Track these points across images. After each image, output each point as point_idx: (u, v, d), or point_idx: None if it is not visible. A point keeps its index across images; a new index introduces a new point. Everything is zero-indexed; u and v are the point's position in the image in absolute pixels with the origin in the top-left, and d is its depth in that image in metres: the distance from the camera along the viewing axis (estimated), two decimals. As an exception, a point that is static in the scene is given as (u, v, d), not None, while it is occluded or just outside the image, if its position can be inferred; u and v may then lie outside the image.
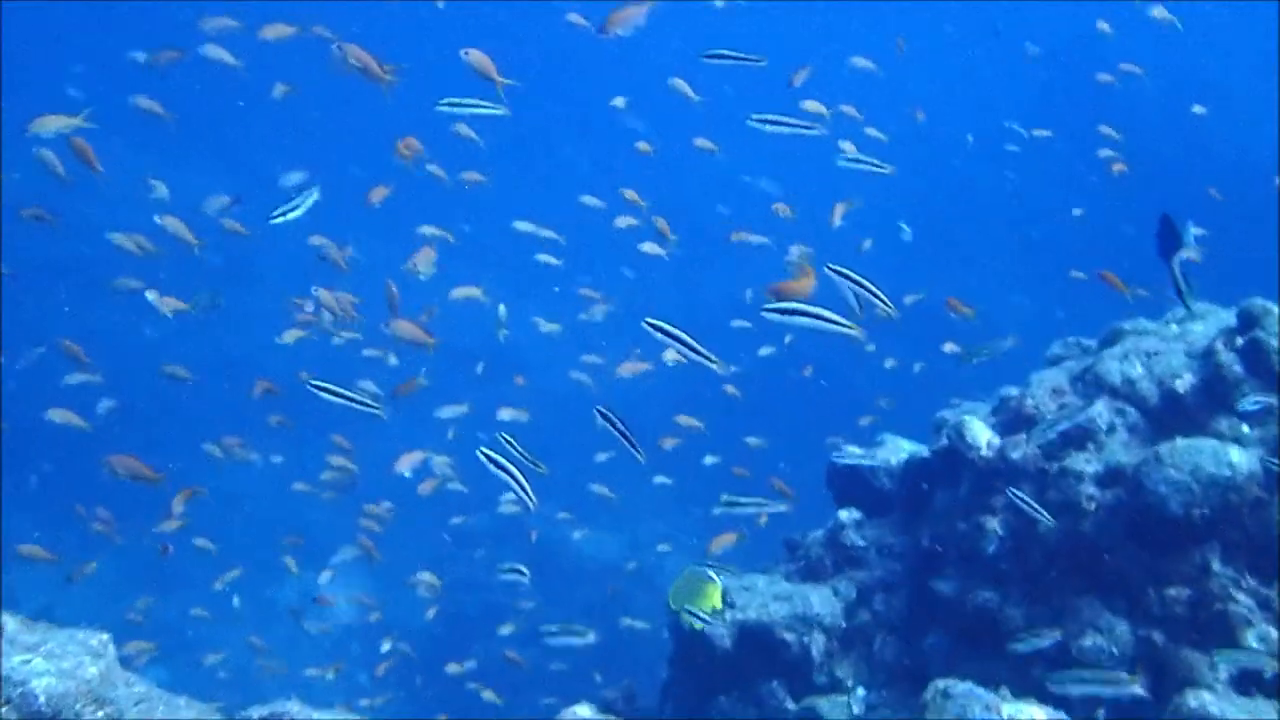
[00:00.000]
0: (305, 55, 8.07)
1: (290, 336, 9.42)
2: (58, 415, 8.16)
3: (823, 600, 6.87)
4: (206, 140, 20.07)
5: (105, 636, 3.47)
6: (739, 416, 12.59)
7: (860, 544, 7.17)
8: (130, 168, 12.63)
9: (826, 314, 4.94)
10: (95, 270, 12.03)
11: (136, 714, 3.43)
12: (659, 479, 13.01)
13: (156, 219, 7.70)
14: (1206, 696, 5.51)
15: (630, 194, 9.31)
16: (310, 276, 10.75)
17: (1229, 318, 6.54)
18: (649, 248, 10.56)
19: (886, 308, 5.27)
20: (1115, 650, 6.04)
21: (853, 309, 5.25)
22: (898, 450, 7.58)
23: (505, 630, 10.55)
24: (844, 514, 7.27)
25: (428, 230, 10.08)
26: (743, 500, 6.47)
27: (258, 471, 13.80)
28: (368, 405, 6.05)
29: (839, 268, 5.23)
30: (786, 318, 4.91)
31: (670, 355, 8.83)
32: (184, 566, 12.63)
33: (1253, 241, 16.35)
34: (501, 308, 9.95)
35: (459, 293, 8.58)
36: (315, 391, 5.94)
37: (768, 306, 4.95)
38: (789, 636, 6.72)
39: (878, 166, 6.52)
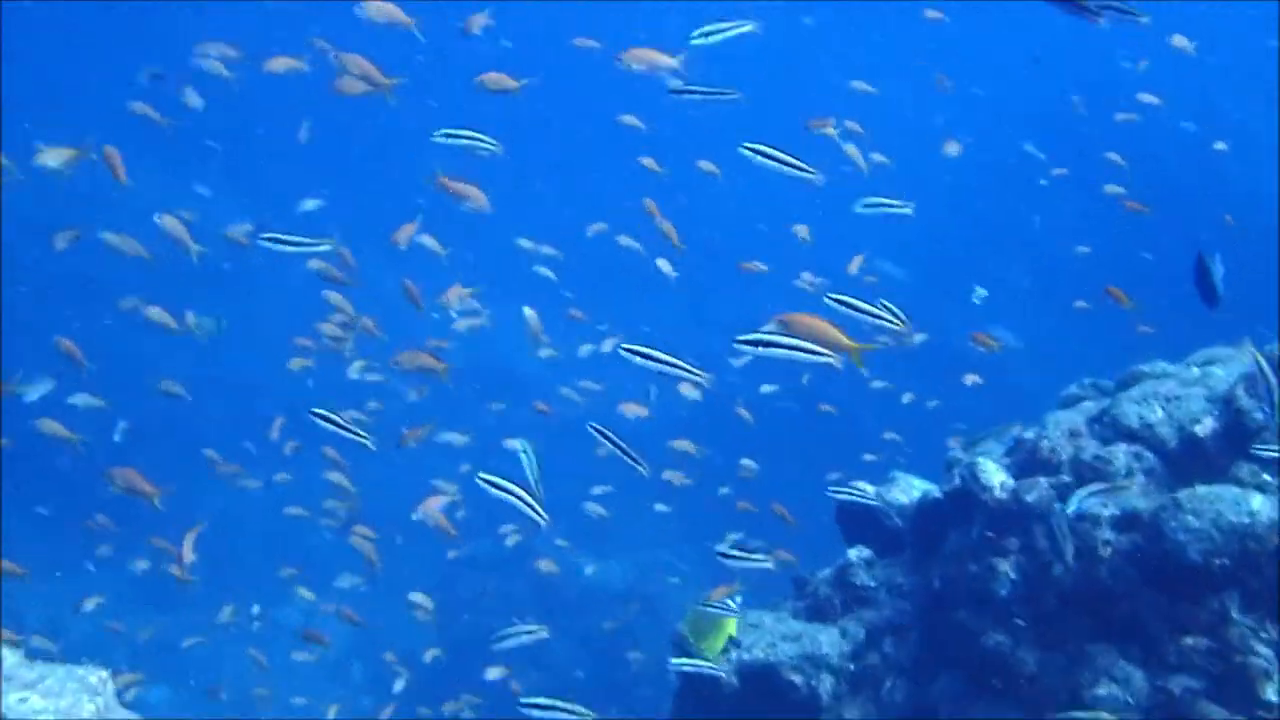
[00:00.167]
0: (316, 67, 8.03)
1: (297, 364, 9.38)
2: (47, 426, 8.06)
3: (831, 641, 6.76)
4: (221, 156, 20.11)
5: (104, 673, 3.40)
6: (749, 447, 12.49)
7: (870, 584, 7.07)
8: (148, 185, 12.66)
9: (802, 344, 4.87)
10: (109, 289, 12.03)
11: (132, 753, 3.35)
12: (660, 507, 12.93)
13: (156, 219, 7.63)
14: (1225, 750, 5.39)
15: (651, 205, 9.06)
16: (321, 296, 10.74)
17: (1250, 362, 6.44)
18: (663, 265, 10.47)
19: (900, 325, 5.21)
20: (1130, 699, 5.92)
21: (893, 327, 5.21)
22: (909, 489, 7.48)
23: (494, 674, 10.32)
24: (853, 553, 7.17)
25: (429, 241, 10.07)
26: (740, 554, 6.34)
27: (263, 491, 13.75)
28: (358, 436, 6.03)
29: (840, 296, 5.17)
30: (760, 349, 4.84)
31: (687, 389, 8.76)
32: (187, 585, 12.56)
33: (1261, 273, 16.25)
34: (528, 311, 9.65)
35: (463, 324, 8.48)
36: (314, 420, 5.93)
37: (740, 338, 4.88)
38: (796, 678, 6.61)
39: (898, 207, 6.43)
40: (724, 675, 6.73)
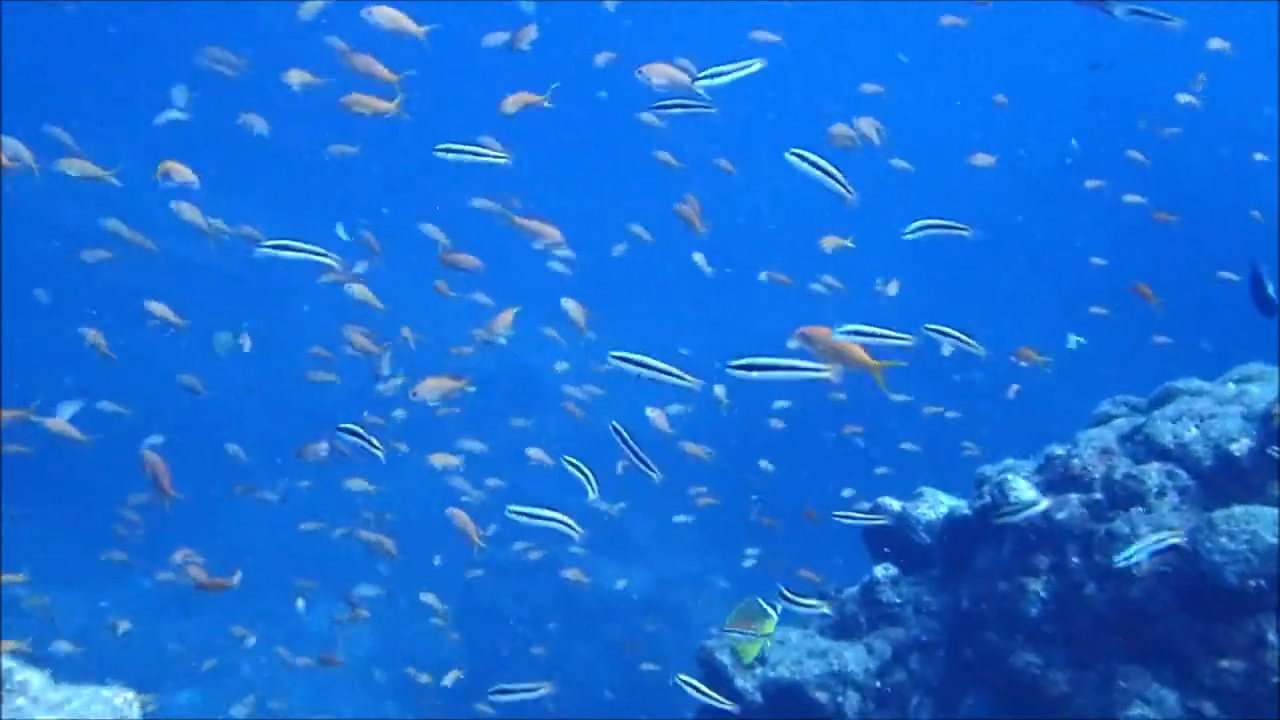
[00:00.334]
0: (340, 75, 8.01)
1: (319, 377, 9.38)
2: (54, 425, 8.03)
3: (858, 658, 6.69)
4: (254, 168, 20.22)
5: (129, 694, 3.39)
6: (771, 457, 12.42)
7: (896, 601, 6.99)
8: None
9: (793, 364, 4.82)
10: (138, 299, 12.12)
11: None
12: (680, 518, 12.88)
13: (172, 205, 7.54)
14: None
15: (690, 206, 8.87)
16: (345, 306, 10.75)
17: (1289, 379, 6.35)
18: (698, 259, 10.32)
19: (902, 341, 5.16)
20: (1163, 722, 5.84)
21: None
22: (937, 504, 7.40)
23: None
24: (880, 570, 7.09)
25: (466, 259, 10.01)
26: (799, 600, 6.32)
27: (290, 497, 13.81)
28: (373, 447, 6.02)
29: (854, 327, 5.12)
30: (753, 374, 4.80)
31: (719, 391, 8.68)
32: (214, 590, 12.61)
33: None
34: (569, 302, 9.35)
35: (480, 334, 8.37)
36: (340, 435, 5.93)
37: (732, 363, 4.84)
38: (822, 695, 6.55)
39: (955, 228, 6.33)
40: (749, 691, 6.68)
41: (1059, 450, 6.67)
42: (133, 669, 14.21)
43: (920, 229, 6.24)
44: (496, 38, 7.92)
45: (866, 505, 7.67)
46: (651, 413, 8.95)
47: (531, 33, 7.58)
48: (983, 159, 9.31)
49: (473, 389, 6.87)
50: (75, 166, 6.87)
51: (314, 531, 12.27)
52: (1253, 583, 5.68)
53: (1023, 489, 6.48)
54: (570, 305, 8.29)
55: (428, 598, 10.96)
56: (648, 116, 9.21)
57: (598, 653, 14.87)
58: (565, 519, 5.58)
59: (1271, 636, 5.72)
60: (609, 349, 5.10)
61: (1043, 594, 6.29)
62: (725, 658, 6.76)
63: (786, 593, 6.28)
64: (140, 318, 9.22)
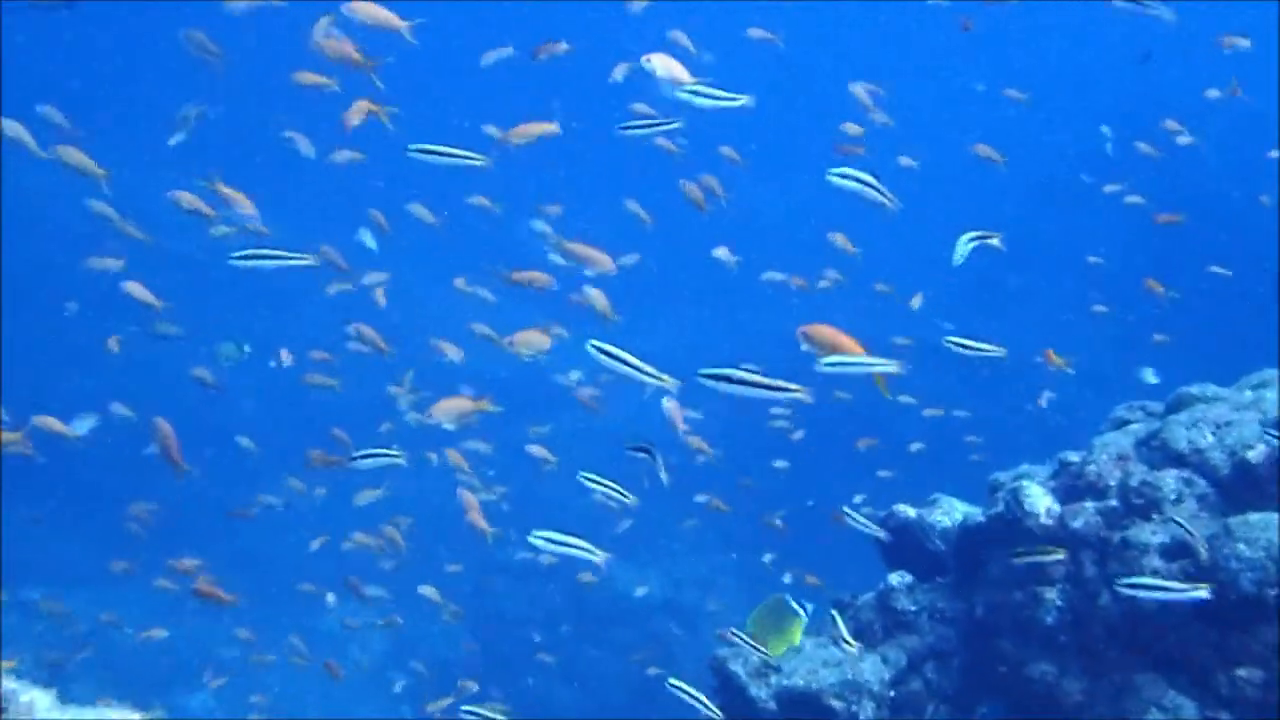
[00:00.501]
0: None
1: (318, 380, 9.32)
2: (42, 423, 7.91)
3: (873, 667, 6.65)
4: (257, 169, 20.26)
5: (136, 716, 3.36)
6: (782, 458, 12.36)
7: (911, 609, 6.94)
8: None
9: (765, 381, 4.78)
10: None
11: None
12: (690, 523, 12.82)
13: (171, 195, 7.33)
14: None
15: (709, 184, 8.59)
16: (350, 307, 10.76)
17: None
18: (722, 253, 10.17)
19: (887, 368, 5.15)
20: (1180, 731, 5.79)
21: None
22: (951, 511, 7.34)
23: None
24: (894, 577, 7.05)
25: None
26: (847, 640, 6.31)
27: (302, 501, 13.83)
28: (394, 456, 5.96)
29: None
30: (723, 384, 4.76)
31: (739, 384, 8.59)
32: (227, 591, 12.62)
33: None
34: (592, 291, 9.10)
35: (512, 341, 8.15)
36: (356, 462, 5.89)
37: (703, 371, 4.80)
38: (837, 704, 6.51)
39: (988, 238, 6.30)
40: (763, 700, 6.64)
41: (1074, 457, 6.63)
42: (145, 672, 14.29)
43: (968, 242, 6.21)
44: (496, 54, 7.85)
45: (880, 512, 7.63)
46: (668, 404, 8.83)
47: (559, 47, 7.48)
48: (986, 150, 9.16)
49: (496, 409, 6.74)
50: (72, 157, 6.76)
51: (328, 532, 12.27)
52: (1270, 590, 5.64)
53: (1037, 496, 6.43)
54: (594, 293, 8.10)
55: (427, 590, 10.87)
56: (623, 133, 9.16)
57: (610, 655, 14.85)
58: (587, 545, 5.55)
59: (1290, 645, 5.67)
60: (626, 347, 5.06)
61: (1058, 602, 6.25)
62: (738, 667, 6.72)
63: (844, 637, 6.25)
64: (141, 319, 9.23)
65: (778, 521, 10.43)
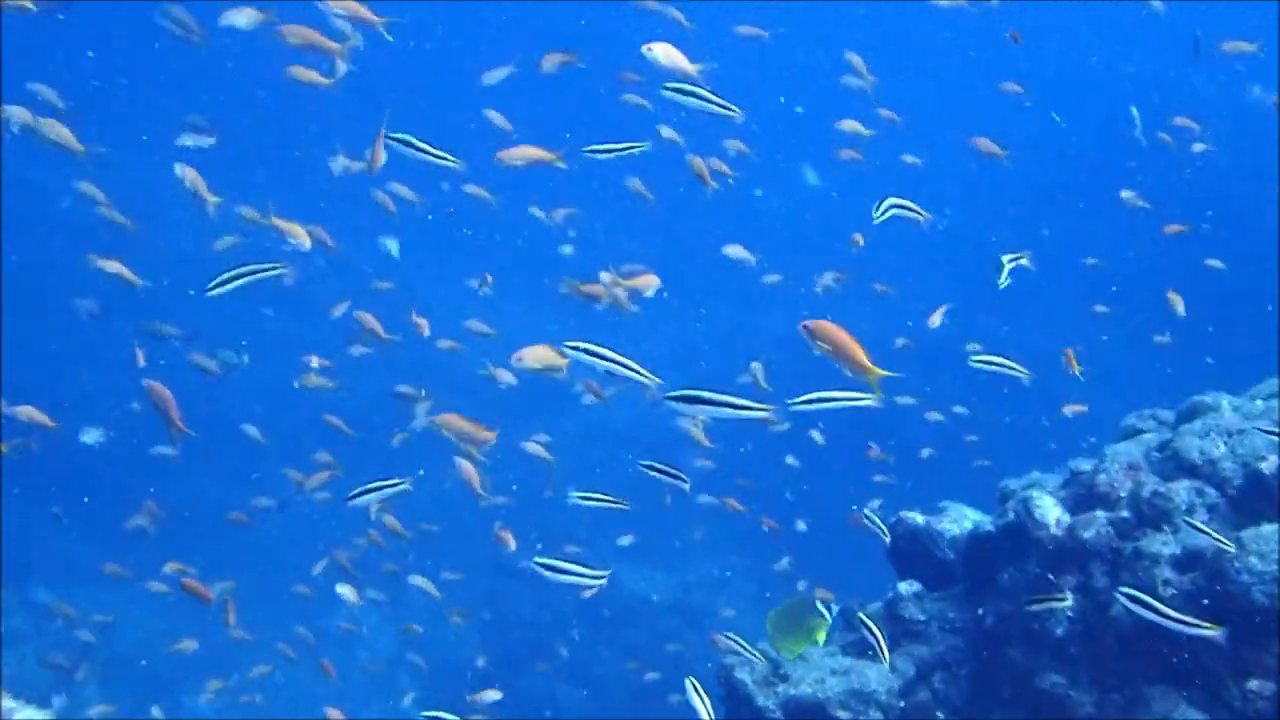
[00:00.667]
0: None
1: (312, 381, 9.27)
2: (24, 414, 7.83)
3: (880, 677, 6.62)
4: (264, 160, 20.23)
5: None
6: (790, 463, 12.32)
7: (920, 618, 6.91)
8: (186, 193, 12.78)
9: (730, 400, 4.77)
10: (155, 301, 12.16)
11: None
12: (697, 534, 12.79)
13: (176, 168, 7.24)
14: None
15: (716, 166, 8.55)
16: (363, 302, 10.71)
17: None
18: (736, 251, 9.99)
19: (865, 402, 5.15)
20: (1191, 744, 5.76)
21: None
22: (960, 519, 7.30)
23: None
24: (904, 586, 7.01)
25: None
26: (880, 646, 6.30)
27: (309, 500, 13.84)
28: (397, 486, 5.86)
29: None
30: (688, 405, 4.76)
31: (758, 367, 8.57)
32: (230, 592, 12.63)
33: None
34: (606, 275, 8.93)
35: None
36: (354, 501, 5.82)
37: (670, 394, 4.79)
38: (844, 715, 6.48)
39: (1020, 258, 6.33)
40: (770, 710, 6.62)
41: (1085, 466, 6.58)
42: (152, 670, 14.33)
43: (1009, 262, 6.31)
44: (497, 74, 7.80)
45: (890, 518, 7.60)
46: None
47: (564, 58, 7.44)
48: (986, 144, 9.04)
49: (494, 434, 6.64)
50: (53, 130, 6.71)
51: (332, 534, 12.30)
52: (1283, 604, 5.59)
53: (1048, 506, 6.38)
54: (607, 278, 7.95)
55: (422, 582, 10.80)
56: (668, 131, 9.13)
57: (620, 657, 14.84)
58: (586, 572, 5.54)
59: (1302, 658, 5.63)
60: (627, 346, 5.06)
61: (1069, 613, 6.20)
62: (745, 676, 6.70)
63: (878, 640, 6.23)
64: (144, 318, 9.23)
65: (772, 522, 10.38)
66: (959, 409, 11.91)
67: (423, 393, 9.16)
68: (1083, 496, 6.46)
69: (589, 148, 6.46)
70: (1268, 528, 5.75)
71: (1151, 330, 11.26)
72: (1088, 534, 6.18)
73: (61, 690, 13.02)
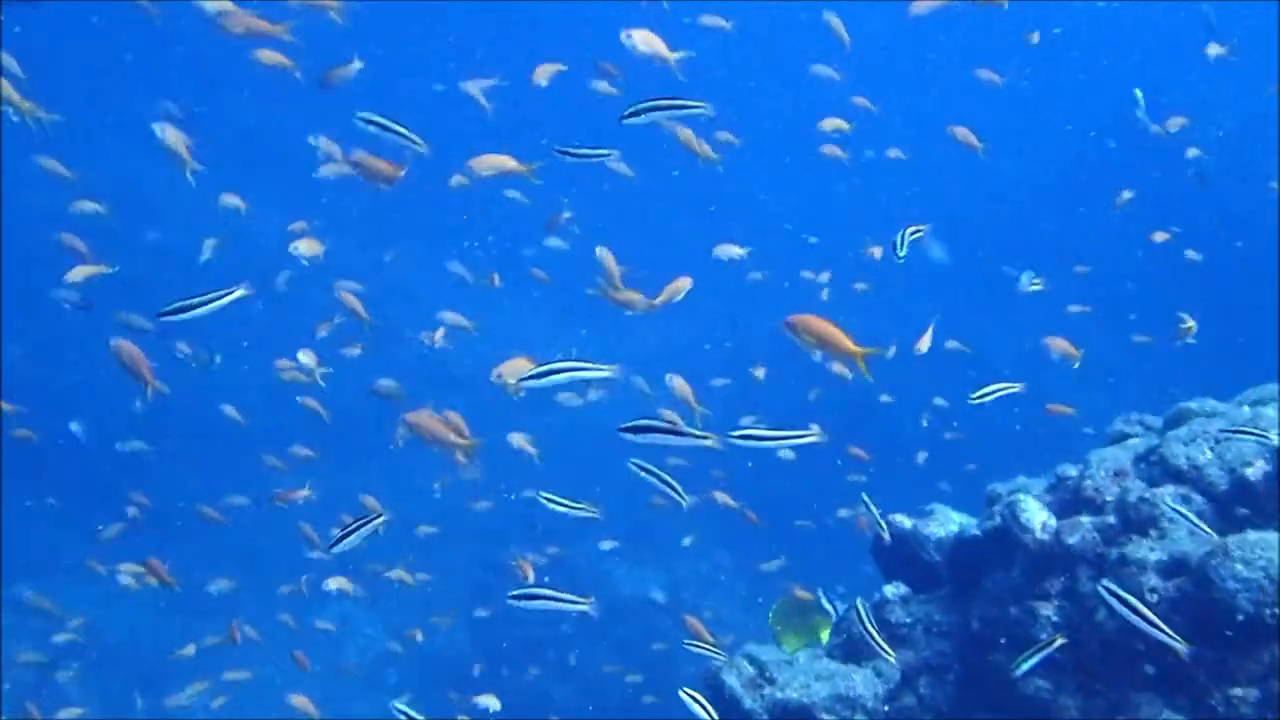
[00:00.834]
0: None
1: (287, 375, 9.24)
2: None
3: (866, 681, 6.61)
4: (259, 162, 20.19)
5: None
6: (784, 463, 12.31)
7: (906, 621, 6.90)
8: (184, 193, 12.72)
9: (680, 429, 4.88)
10: (146, 295, 12.10)
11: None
12: (687, 541, 12.77)
13: (155, 127, 7.10)
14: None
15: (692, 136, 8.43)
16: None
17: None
18: (728, 250, 9.91)
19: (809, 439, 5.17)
20: (1176, 750, 5.75)
21: None
22: (947, 521, 7.30)
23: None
24: (889, 589, 7.00)
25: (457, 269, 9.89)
26: (884, 649, 6.29)
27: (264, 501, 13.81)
28: (374, 522, 5.74)
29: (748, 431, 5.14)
30: (640, 436, 4.79)
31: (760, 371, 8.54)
32: (220, 590, 12.60)
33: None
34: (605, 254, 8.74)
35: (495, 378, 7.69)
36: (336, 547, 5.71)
37: (622, 426, 4.83)
38: (829, 719, 6.47)
39: (1037, 283, 6.42)
40: (757, 714, 6.61)
41: (1071, 471, 6.57)
42: (139, 668, 14.29)
43: (1031, 282, 6.43)
44: (478, 85, 7.76)
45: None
46: (672, 380, 8.60)
47: (555, 68, 7.41)
48: (963, 133, 8.96)
49: (473, 443, 6.57)
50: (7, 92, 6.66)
51: (322, 531, 12.24)
52: (1268, 610, 5.57)
53: (1034, 511, 6.37)
54: (606, 255, 7.78)
55: (398, 574, 10.78)
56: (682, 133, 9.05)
57: (611, 654, 14.82)
58: (570, 598, 5.50)
59: (1286, 665, 5.62)
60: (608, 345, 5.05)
61: (1054, 619, 6.20)
62: (731, 679, 6.69)
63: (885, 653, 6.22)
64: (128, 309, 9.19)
65: (752, 515, 10.36)
66: (939, 400, 11.90)
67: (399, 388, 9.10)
68: (1069, 501, 6.45)
69: (559, 148, 6.41)
70: (1254, 535, 5.73)
71: (1150, 331, 11.26)
72: (1073, 539, 6.18)
73: (44, 687, 13.01)
